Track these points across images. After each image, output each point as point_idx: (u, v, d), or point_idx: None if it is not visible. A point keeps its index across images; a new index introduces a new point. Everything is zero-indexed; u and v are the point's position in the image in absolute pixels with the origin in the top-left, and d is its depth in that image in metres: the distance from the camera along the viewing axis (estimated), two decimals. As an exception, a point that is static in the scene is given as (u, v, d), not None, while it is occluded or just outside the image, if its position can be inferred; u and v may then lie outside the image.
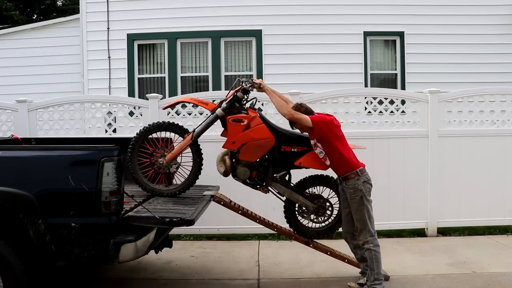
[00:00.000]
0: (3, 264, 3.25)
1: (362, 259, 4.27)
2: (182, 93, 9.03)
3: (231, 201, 4.50)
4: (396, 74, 9.40)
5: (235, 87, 4.30)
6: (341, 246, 4.66)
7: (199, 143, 4.40)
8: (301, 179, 4.53)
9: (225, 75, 9.36)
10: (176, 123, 4.44)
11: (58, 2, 24.99)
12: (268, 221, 4.60)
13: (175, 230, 5.46)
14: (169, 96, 8.61)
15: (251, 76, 4.34)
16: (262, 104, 6.27)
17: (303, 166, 4.31)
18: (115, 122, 6.36)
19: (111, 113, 6.28)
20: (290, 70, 9.02)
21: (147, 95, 6.31)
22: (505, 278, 4.46)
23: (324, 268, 4.79)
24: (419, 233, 6.06)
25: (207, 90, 9.19)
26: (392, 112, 6.06)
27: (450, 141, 5.98)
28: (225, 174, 4.33)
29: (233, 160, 4.33)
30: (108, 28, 9.26)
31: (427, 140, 5.97)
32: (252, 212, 4.56)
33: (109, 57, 9.28)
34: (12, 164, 3.37)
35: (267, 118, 4.36)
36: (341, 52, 9.13)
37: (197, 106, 6.05)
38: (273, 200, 5.28)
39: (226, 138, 4.27)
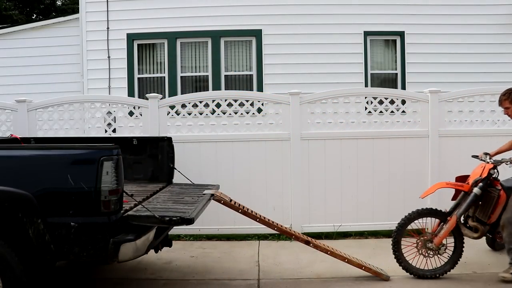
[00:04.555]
0: (2, 264, 3.23)
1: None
2: (182, 93, 9.02)
3: (231, 200, 4.49)
4: (396, 74, 9.40)
5: (486, 163, 4.57)
6: (341, 246, 4.63)
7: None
8: None
9: (225, 75, 9.36)
10: (438, 209, 4.65)
11: (57, 2, 25.01)
12: (269, 220, 4.58)
13: (175, 230, 5.44)
14: (169, 96, 8.59)
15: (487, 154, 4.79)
16: (262, 104, 6.27)
17: None
18: (115, 122, 6.34)
19: (110, 113, 6.26)
20: (290, 70, 9.02)
21: (147, 95, 6.29)
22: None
23: (324, 268, 4.77)
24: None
25: (207, 90, 9.19)
26: (392, 112, 6.04)
27: (451, 141, 5.97)
28: (478, 238, 4.61)
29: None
30: (108, 28, 9.25)
31: (428, 140, 5.95)
32: (252, 211, 4.54)
33: (108, 57, 9.28)
34: (11, 164, 3.36)
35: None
36: (341, 52, 9.13)
37: (196, 106, 6.09)
38: (273, 200, 5.28)
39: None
